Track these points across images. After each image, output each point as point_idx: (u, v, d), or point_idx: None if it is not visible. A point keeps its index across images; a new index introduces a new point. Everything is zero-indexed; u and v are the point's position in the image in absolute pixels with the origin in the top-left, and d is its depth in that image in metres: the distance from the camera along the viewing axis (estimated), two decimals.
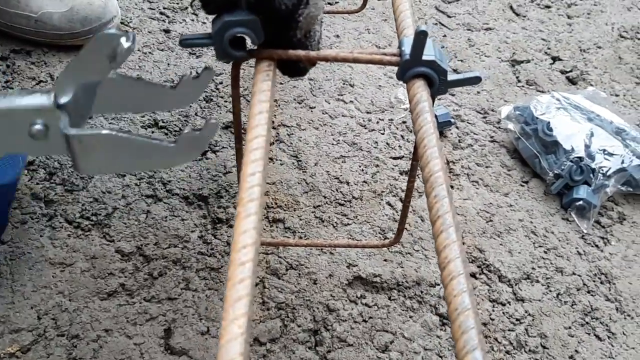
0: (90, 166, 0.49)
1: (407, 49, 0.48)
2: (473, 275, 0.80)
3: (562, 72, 1.11)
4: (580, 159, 0.89)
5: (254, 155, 0.40)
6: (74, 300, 0.70)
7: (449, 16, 1.18)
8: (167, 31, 1.03)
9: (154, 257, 0.74)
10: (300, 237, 0.79)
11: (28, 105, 0.47)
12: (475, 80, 0.50)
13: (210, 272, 0.74)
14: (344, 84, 1.02)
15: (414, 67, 0.48)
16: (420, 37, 0.46)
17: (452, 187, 0.91)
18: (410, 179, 0.60)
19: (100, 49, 0.46)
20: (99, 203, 0.79)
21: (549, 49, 1.15)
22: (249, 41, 0.48)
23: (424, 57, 0.47)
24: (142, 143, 0.48)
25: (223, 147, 0.88)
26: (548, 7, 1.24)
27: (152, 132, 0.88)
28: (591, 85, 1.09)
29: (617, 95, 1.09)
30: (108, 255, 0.74)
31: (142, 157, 0.49)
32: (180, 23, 1.05)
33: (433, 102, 0.49)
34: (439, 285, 0.77)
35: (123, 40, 0.45)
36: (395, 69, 0.49)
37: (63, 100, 0.47)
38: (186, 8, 1.08)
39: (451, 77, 0.49)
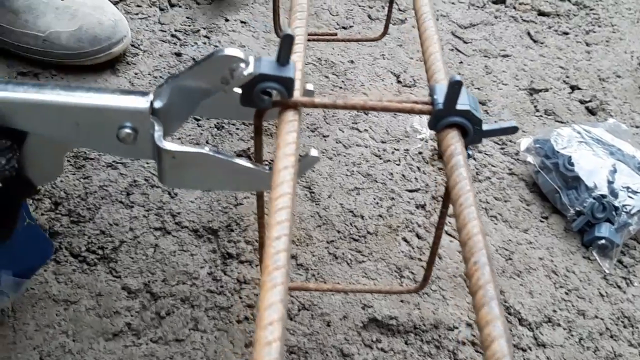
0: (177, 181, 0.47)
1: (439, 97, 0.45)
2: None
3: (581, 101, 1.08)
4: (603, 196, 0.86)
5: (279, 216, 0.38)
6: (78, 340, 0.67)
7: (465, 42, 1.16)
8: (178, 54, 1.00)
9: (161, 294, 0.72)
10: (313, 275, 0.76)
11: (121, 106, 0.44)
12: (512, 130, 0.47)
13: (219, 312, 0.71)
14: (358, 111, 0.99)
15: (448, 116, 0.45)
16: (455, 87, 0.43)
17: None
18: (439, 227, 0.57)
19: (217, 69, 0.43)
20: (105, 236, 0.76)
21: (567, 77, 1.12)
22: None
23: (458, 107, 0.45)
24: (237, 166, 0.46)
25: None
26: (566, 33, 1.21)
27: None
28: (611, 116, 1.07)
29: (637, 127, 1.06)
30: (114, 292, 0.71)
31: (232, 178, 0.47)
32: (192, 46, 1.02)
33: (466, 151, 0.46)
34: (457, 328, 0.74)
35: (243, 65, 0.42)
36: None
37: (159, 104, 0.45)
38: (198, 31, 1.05)
39: (486, 126, 0.46)
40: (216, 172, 0.47)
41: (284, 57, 0.42)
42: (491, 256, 0.37)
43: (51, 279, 0.71)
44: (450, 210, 0.52)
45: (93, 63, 0.92)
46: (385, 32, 0.88)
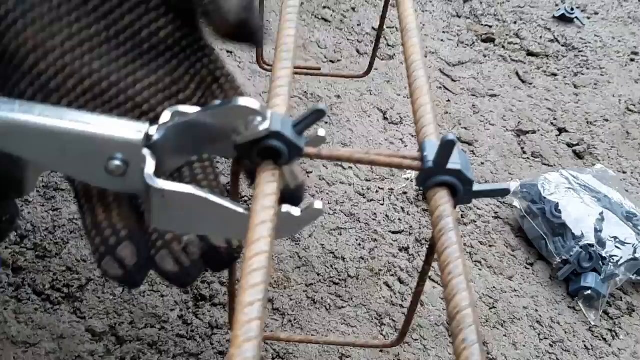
0: (165, 222, 0.43)
1: (429, 154, 0.43)
2: None
3: (569, 145, 1.07)
4: (590, 245, 0.84)
5: (254, 278, 0.34)
6: None
7: (453, 80, 1.15)
8: None
9: (128, 338, 0.68)
10: (290, 321, 0.73)
11: (113, 136, 0.40)
12: (504, 193, 0.44)
13: (188, 358, 0.67)
14: (342, 147, 0.97)
15: (438, 175, 0.42)
16: (447, 147, 0.41)
17: None
18: (420, 283, 0.54)
19: (230, 118, 0.39)
20: (72, 273, 0.72)
21: (555, 119, 1.11)
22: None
23: (449, 166, 0.42)
24: (232, 212, 0.42)
25: None
26: (554, 75, 1.21)
27: None
28: (598, 160, 1.06)
29: (624, 173, 1.05)
30: (77, 334, 0.67)
31: (225, 224, 0.43)
32: None
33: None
34: None
35: (259, 119, 0.38)
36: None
37: (157, 137, 0.40)
38: None
39: (477, 187, 0.44)
40: (207, 216, 0.43)
41: (304, 127, 0.39)
42: (480, 332, 0.34)
43: (11, 319, 0.67)
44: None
45: None
46: (369, 70, 0.86)
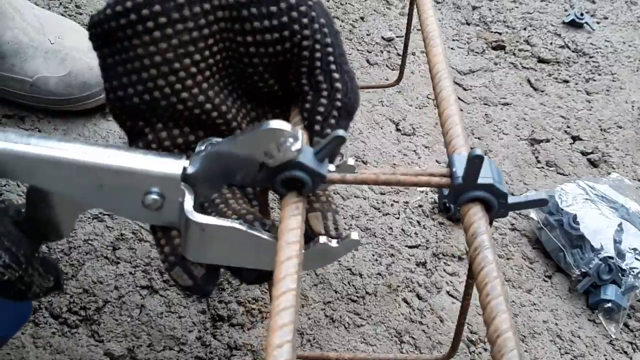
0: (201, 254, 0.42)
1: (458, 169, 0.41)
2: None
3: (583, 153, 1.06)
4: (610, 257, 0.83)
5: (282, 318, 0.33)
6: None
7: (465, 89, 1.14)
8: None
9: None
10: (309, 340, 0.72)
11: (151, 170, 0.40)
12: (541, 203, 0.43)
13: None
14: (356, 160, 0.96)
15: (469, 191, 0.41)
16: (475, 162, 0.40)
17: None
18: (466, 297, 0.53)
19: (261, 142, 0.39)
20: (88, 295, 0.71)
21: (568, 127, 1.10)
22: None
23: (480, 181, 0.41)
24: (269, 243, 0.42)
25: None
26: (566, 81, 1.20)
27: None
28: (613, 168, 1.04)
29: (639, 181, 1.04)
30: (96, 358, 0.66)
31: (263, 256, 0.42)
32: None
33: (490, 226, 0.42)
34: None
35: (291, 140, 0.38)
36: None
37: (192, 170, 0.40)
38: None
39: (512, 199, 0.43)
40: (245, 248, 0.42)
41: (325, 154, 0.39)
42: (522, 355, 0.33)
43: (29, 344, 0.66)
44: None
45: (82, 109, 0.88)
46: (400, 77, 0.85)
